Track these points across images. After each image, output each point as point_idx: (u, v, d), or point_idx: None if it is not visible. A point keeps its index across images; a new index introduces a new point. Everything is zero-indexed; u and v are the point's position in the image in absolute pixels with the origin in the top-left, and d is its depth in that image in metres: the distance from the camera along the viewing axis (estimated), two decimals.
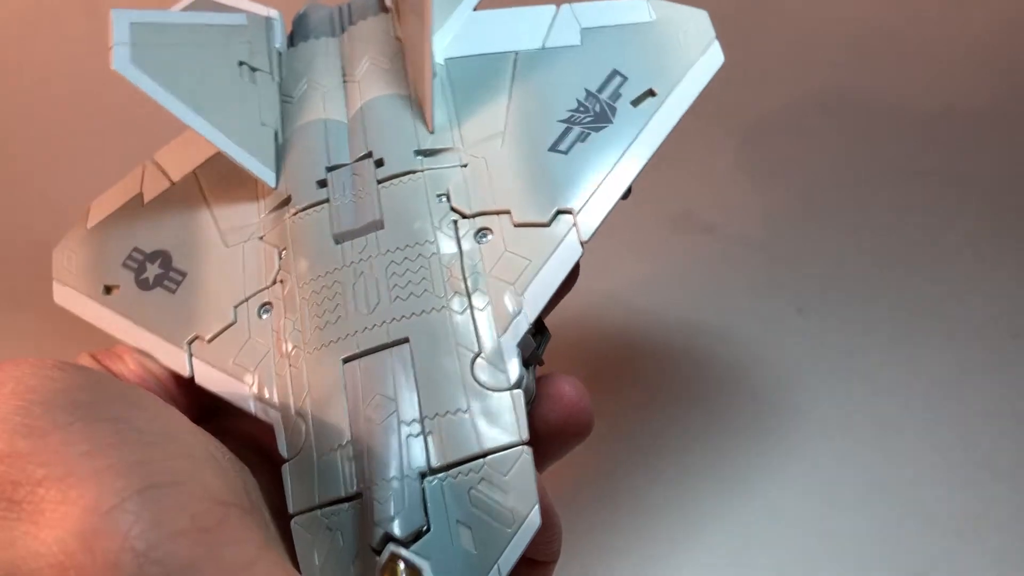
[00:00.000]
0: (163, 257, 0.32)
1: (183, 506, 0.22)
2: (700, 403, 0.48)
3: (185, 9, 0.37)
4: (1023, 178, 0.55)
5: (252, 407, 0.28)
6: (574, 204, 0.28)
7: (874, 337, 0.49)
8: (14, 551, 0.21)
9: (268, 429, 0.28)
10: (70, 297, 0.33)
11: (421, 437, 0.25)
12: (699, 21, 0.30)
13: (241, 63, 0.33)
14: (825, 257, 0.53)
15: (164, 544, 0.21)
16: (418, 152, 0.30)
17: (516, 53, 0.31)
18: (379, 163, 0.30)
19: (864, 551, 0.42)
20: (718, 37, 0.30)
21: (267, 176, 0.31)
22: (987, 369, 0.48)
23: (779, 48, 0.61)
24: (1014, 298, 0.50)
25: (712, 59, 0.30)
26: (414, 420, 0.25)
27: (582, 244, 0.27)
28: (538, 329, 0.29)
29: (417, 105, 0.31)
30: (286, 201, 0.30)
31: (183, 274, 0.31)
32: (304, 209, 0.30)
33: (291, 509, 0.26)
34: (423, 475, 0.24)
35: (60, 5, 0.65)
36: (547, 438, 0.28)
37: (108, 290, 0.32)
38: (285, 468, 0.26)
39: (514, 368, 0.26)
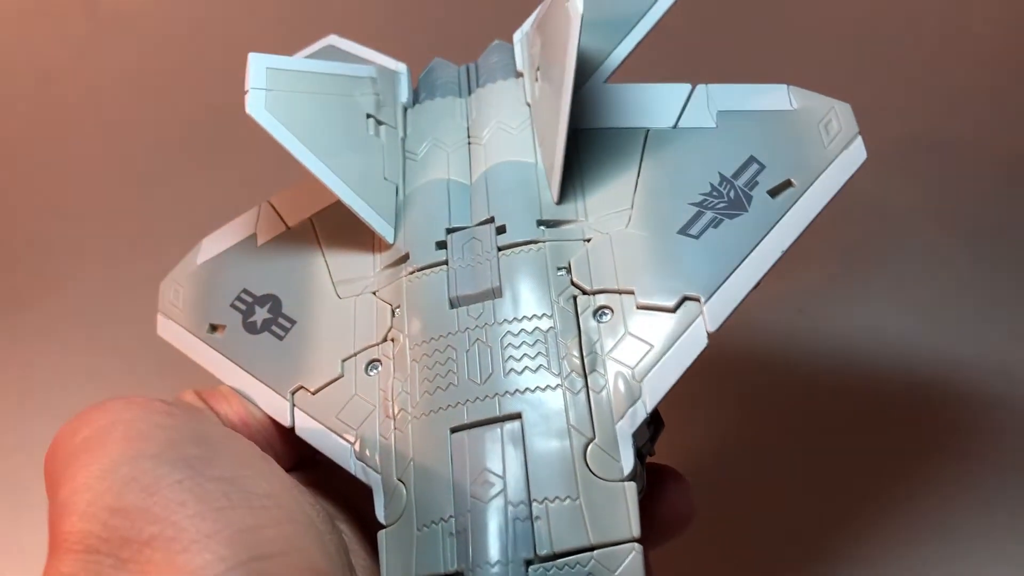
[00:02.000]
0: (273, 302, 0.31)
1: None
2: (698, 404, 0.48)
3: (312, 56, 0.37)
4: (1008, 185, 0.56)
5: (352, 467, 0.27)
6: (702, 292, 0.27)
7: (874, 337, 0.49)
8: None
9: (360, 486, 0.27)
10: (174, 332, 0.33)
11: (528, 522, 0.24)
12: (842, 114, 0.29)
13: (368, 115, 0.33)
14: (825, 256, 0.53)
15: None
16: (541, 222, 0.29)
17: (648, 130, 0.31)
18: (500, 229, 0.29)
19: (862, 549, 0.42)
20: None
21: (386, 231, 0.31)
22: (989, 368, 0.48)
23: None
24: (1014, 298, 0.51)
25: (854, 154, 0.29)
26: (522, 503, 0.24)
27: (708, 335, 0.26)
28: (652, 419, 0.28)
29: (543, 174, 0.30)
30: (403, 259, 0.30)
31: (292, 321, 0.31)
32: (421, 269, 0.29)
33: None
34: (528, 563, 0.24)
35: (60, 5, 0.66)
36: (646, 531, 0.27)
37: (213, 329, 0.32)
38: (381, 535, 0.26)
39: (628, 458, 0.25)
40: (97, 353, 0.54)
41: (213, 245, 0.34)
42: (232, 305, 0.32)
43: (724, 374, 0.49)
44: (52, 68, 0.66)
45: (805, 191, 0.28)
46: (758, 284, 0.27)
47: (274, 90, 0.30)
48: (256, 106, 0.29)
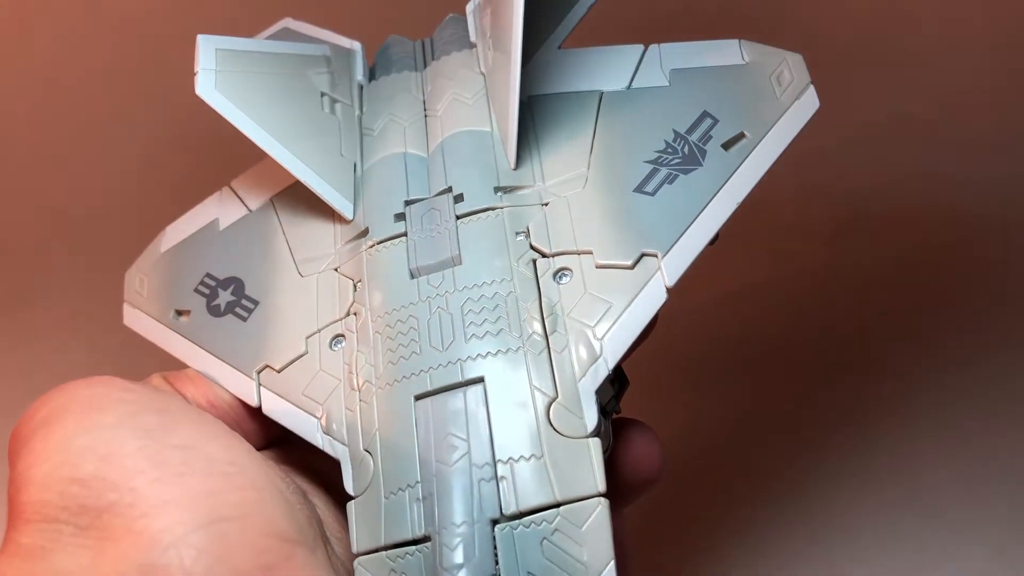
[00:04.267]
0: (236, 284, 0.31)
1: (248, 542, 0.22)
2: (695, 405, 0.48)
3: (269, 38, 0.37)
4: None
5: (320, 441, 0.27)
6: (659, 247, 0.27)
7: (873, 338, 0.50)
8: None
9: (334, 462, 0.27)
10: (140, 320, 0.33)
11: (493, 482, 0.24)
12: (794, 64, 0.29)
13: (323, 94, 0.33)
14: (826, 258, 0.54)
15: None
16: (498, 188, 0.29)
17: (601, 92, 0.31)
18: (458, 198, 0.29)
19: (861, 546, 0.43)
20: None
21: (344, 207, 0.31)
22: (989, 368, 0.48)
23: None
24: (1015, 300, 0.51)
25: (807, 104, 0.29)
26: (486, 464, 0.24)
27: (667, 289, 0.26)
28: (616, 376, 0.28)
29: (499, 142, 0.30)
30: (363, 233, 0.30)
31: (255, 302, 0.31)
32: (381, 242, 0.29)
33: (355, 549, 0.25)
34: (494, 522, 0.24)
35: (60, 5, 0.66)
36: (614, 487, 0.27)
37: (179, 315, 0.32)
38: (350, 506, 0.26)
39: (592, 415, 0.25)
40: (98, 353, 0.54)
41: (176, 232, 0.34)
42: (196, 290, 0.32)
43: (721, 374, 0.49)
44: (52, 68, 0.66)
45: (759, 142, 0.28)
46: (716, 237, 0.27)
47: (225, 71, 0.30)
48: (206, 87, 0.29)
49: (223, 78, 0.30)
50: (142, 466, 0.22)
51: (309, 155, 0.31)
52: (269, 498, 0.24)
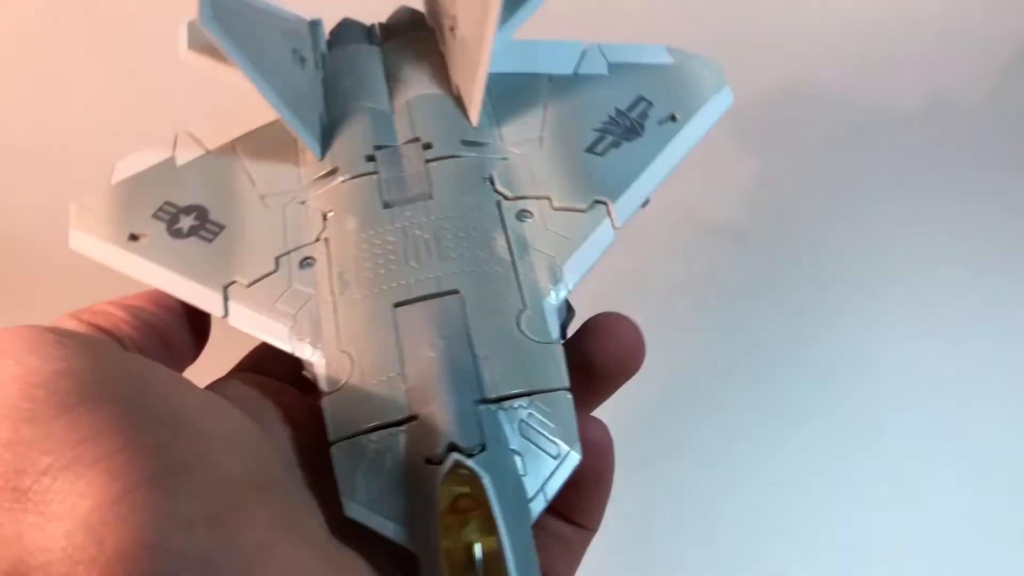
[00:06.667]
0: (199, 211, 0.33)
1: (196, 494, 0.22)
2: (696, 403, 0.50)
3: None
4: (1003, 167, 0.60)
5: (291, 346, 0.29)
6: (609, 196, 0.31)
7: (872, 336, 0.52)
8: (22, 545, 0.20)
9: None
10: (89, 243, 0.33)
11: (474, 371, 0.27)
12: (713, 68, 0.35)
13: (294, 50, 0.35)
14: (824, 255, 0.56)
15: (177, 535, 0.21)
16: (464, 142, 0.33)
17: (550, 76, 0.35)
18: (427, 146, 0.32)
19: (864, 549, 0.44)
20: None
21: (315, 147, 0.33)
22: (987, 367, 0.50)
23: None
24: (1009, 294, 0.53)
25: (724, 98, 0.34)
26: (467, 357, 0.27)
27: (615, 229, 0.30)
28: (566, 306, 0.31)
29: (461, 106, 0.34)
30: (332, 172, 0.32)
31: (220, 226, 0.32)
32: (353, 178, 0.32)
33: (331, 437, 0.27)
34: (477, 402, 0.26)
35: (60, 6, 0.66)
36: (598, 373, 0.30)
37: (134, 238, 0.32)
38: (326, 400, 0.27)
39: (555, 328, 0.28)
40: None
41: (128, 166, 0.35)
42: (155, 216, 0.33)
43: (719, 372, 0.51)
44: (52, 68, 0.64)
45: (686, 123, 0.34)
46: (647, 200, 0.32)
47: (220, 8, 0.32)
48: (206, 16, 0.31)
49: (219, 14, 0.32)
50: (80, 424, 0.22)
51: (286, 96, 0.33)
52: (216, 444, 0.24)
